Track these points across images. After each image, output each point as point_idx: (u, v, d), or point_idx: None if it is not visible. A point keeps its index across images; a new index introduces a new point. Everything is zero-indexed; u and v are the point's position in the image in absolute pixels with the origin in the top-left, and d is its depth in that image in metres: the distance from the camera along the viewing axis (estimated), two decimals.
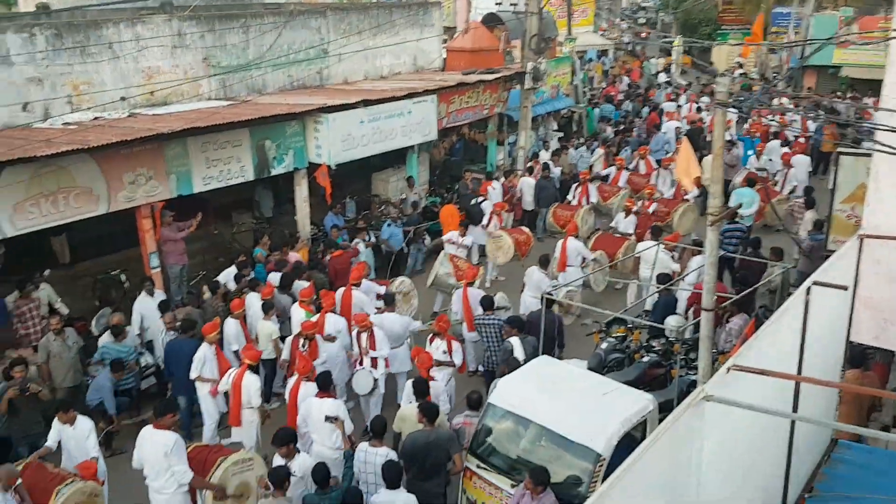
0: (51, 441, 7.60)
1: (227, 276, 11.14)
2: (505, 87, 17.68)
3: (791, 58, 31.99)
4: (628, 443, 6.67)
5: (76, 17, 12.10)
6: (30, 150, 8.89)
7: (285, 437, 6.88)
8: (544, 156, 18.44)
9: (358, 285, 10.43)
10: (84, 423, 7.62)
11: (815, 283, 5.84)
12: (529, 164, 17.40)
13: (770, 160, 18.41)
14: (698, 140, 18.79)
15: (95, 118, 11.19)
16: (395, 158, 16.05)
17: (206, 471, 7.12)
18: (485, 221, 14.22)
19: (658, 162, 17.73)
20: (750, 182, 15.21)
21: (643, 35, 37.29)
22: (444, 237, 13.46)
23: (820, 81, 30.96)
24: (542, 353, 8.67)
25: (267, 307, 9.85)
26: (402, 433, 7.56)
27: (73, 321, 10.40)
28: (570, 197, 16.16)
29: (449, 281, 11.74)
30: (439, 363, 8.68)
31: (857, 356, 8.11)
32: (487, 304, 9.87)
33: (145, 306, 10.27)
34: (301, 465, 6.86)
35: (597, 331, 9.97)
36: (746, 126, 21.75)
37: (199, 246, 13.26)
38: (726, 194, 12.83)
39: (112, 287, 11.97)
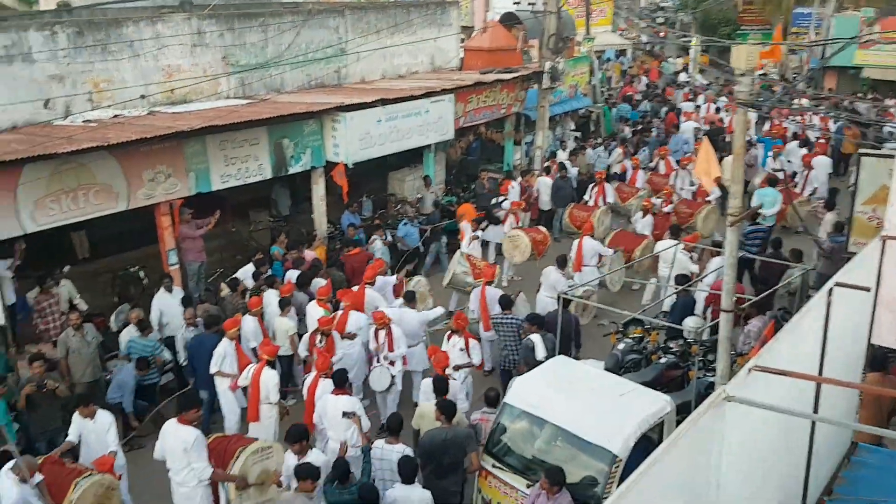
0: (72, 435, 7.66)
1: (245, 274, 11.20)
2: (522, 87, 17.65)
3: (811, 59, 31.73)
4: (645, 444, 6.63)
5: (97, 15, 12.20)
6: (51, 147, 8.97)
7: (298, 434, 6.91)
8: (562, 155, 18.40)
9: (372, 284, 10.45)
10: (104, 418, 7.68)
11: (838, 285, 5.77)
12: (546, 164, 17.35)
13: (789, 161, 18.27)
14: (717, 140, 18.66)
15: (115, 116, 11.28)
16: (412, 157, 16.06)
17: (226, 461, 7.18)
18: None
19: (677, 162, 17.64)
20: (771, 182, 15.10)
21: (661, 34, 37.09)
22: (462, 225, 13.42)
23: (841, 82, 30.68)
24: (559, 353, 8.65)
25: (283, 304, 9.90)
26: (420, 430, 7.58)
27: (92, 317, 10.49)
28: (586, 197, 16.10)
29: (466, 280, 11.73)
30: (457, 367, 8.66)
31: (879, 359, 8.01)
32: (505, 303, 9.86)
33: (164, 303, 10.34)
34: (314, 461, 6.88)
35: (614, 331, 9.92)
36: (766, 127, 21.60)
37: (216, 243, 13.33)
38: (746, 195, 12.74)
39: (131, 283, 12.07)
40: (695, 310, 10.49)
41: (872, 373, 7.95)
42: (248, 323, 9.54)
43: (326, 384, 8.09)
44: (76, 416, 7.67)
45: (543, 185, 16.20)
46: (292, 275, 11.03)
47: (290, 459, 6.92)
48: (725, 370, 7.05)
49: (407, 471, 6.58)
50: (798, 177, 17.17)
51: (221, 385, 8.93)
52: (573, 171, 17.26)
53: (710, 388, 8.06)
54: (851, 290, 5.86)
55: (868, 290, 6.42)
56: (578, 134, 21.62)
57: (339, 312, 9.70)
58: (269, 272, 11.24)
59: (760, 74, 29.34)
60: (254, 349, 9.39)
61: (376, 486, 6.58)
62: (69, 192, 9.71)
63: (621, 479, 6.37)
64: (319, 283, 10.70)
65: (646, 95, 27.09)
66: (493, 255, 14.08)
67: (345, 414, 7.44)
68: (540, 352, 8.77)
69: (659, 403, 7.01)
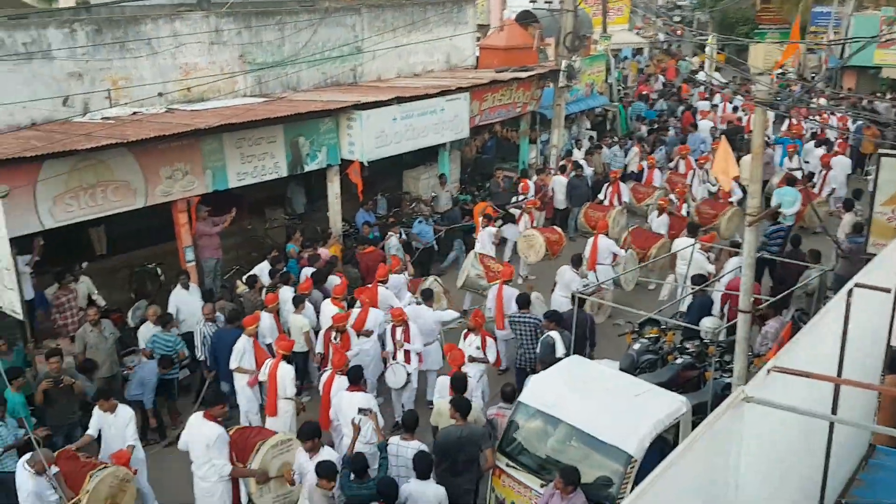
0: (92, 429, 7.74)
1: (260, 271, 11.25)
2: (538, 85, 17.60)
3: (830, 58, 31.43)
4: (660, 445, 6.61)
5: (115, 13, 12.29)
6: (69, 144, 9.06)
7: (310, 432, 6.92)
8: (577, 154, 18.33)
9: (384, 282, 10.47)
10: (125, 412, 7.75)
11: (857, 286, 5.71)
12: (562, 163, 17.30)
13: (806, 162, 18.13)
14: (735, 139, 18.54)
15: (134, 113, 11.36)
16: (427, 156, 16.06)
17: (247, 454, 7.25)
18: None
19: (695, 161, 17.53)
20: (789, 182, 15.00)
21: (678, 33, 36.88)
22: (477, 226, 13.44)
23: (860, 82, 30.36)
24: (574, 353, 8.62)
25: (297, 301, 9.95)
26: (438, 427, 7.60)
27: (110, 313, 10.57)
28: (601, 196, 16.03)
29: (480, 283, 11.72)
30: (472, 359, 8.67)
31: None
32: (523, 301, 9.85)
33: (180, 299, 10.41)
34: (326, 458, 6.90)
35: (629, 331, 9.87)
36: (784, 127, 21.43)
37: (232, 241, 13.40)
38: (765, 195, 12.69)
39: (148, 280, 12.16)
40: (712, 310, 10.43)
41: (891, 375, 7.87)
42: (265, 319, 9.58)
43: (342, 381, 8.12)
44: (96, 410, 7.73)
45: (558, 184, 16.16)
46: (307, 272, 11.07)
47: (302, 457, 6.95)
48: (742, 371, 7.00)
49: (422, 466, 6.61)
50: (816, 177, 17.01)
51: (240, 381, 8.98)
52: (589, 171, 17.19)
53: (727, 389, 8.02)
54: (871, 291, 5.80)
55: (888, 291, 6.34)
56: (593, 134, 21.53)
57: (357, 310, 9.72)
58: (285, 269, 11.29)
59: (779, 73, 29.13)
60: (269, 345, 9.43)
61: (394, 478, 6.61)
62: (88, 189, 9.79)
63: (636, 480, 6.35)
64: (334, 281, 10.73)
65: (662, 94, 26.93)
66: (510, 254, 14.06)
67: (360, 410, 7.45)
68: (560, 349, 8.79)
69: (675, 404, 6.97)
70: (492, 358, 9.02)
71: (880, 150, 11.17)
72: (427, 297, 10.02)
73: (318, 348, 9.55)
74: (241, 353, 8.88)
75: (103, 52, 11.21)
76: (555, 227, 14.37)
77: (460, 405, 7.19)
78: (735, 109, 24.16)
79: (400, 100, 13.50)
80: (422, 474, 6.59)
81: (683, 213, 14.80)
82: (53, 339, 10.01)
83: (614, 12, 29.60)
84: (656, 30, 37.29)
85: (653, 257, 12.74)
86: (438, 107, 14.36)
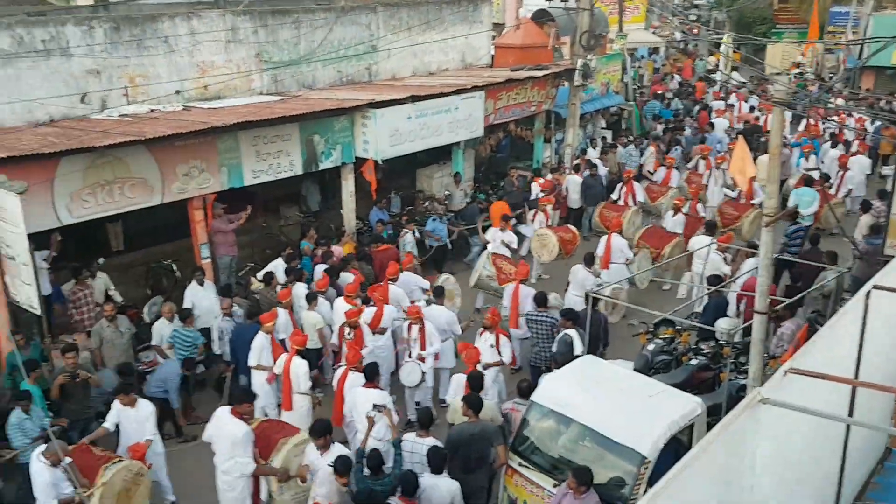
0: (109, 423, 7.79)
1: (275, 268, 11.28)
2: (553, 84, 17.55)
3: (848, 58, 31.17)
4: (674, 446, 6.58)
5: (133, 10, 12.37)
6: (87, 141, 9.13)
7: (322, 429, 6.96)
8: (592, 153, 18.27)
9: (394, 280, 10.48)
10: (146, 406, 7.83)
11: (876, 287, 5.67)
12: (576, 162, 17.25)
13: (822, 162, 17.99)
14: (752, 139, 18.41)
15: (151, 110, 11.43)
16: (440, 155, 16.06)
17: (269, 450, 7.31)
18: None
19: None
20: (807, 182, 14.91)
21: (694, 31, 36.67)
22: (488, 235, 13.40)
23: (878, 83, 30.09)
24: (588, 353, 8.60)
25: (311, 298, 9.99)
26: (454, 425, 7.62)
27: (126, 309, 10.65)
28: (614, 196, 15.95)
29: (491, 284, 11.71)
30: (487, 365, 8.66)
31: None
32: (541, 300, 9.84)
33: (196, 295, 10.47)
34: (337, 455, 6.92)
35: (644, 332, 9.83)
36: (801, 127, 21.26)
37: (247, 238, 13.46)
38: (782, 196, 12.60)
39: (164, 276, 12.24)
40: (727, 311, 10.37)
41: None
42: (280, 315, 9.63)
43: (355, 377, 8.14)
44: (116, 404, 7.78)
45: (572, 184, 16.11)
46: (321, 269, 11.12)
47: (312, 454, 6.98)
48: (758, 373, 6.96)
49: (436, 461, 6.67)
50: (833, 178, 16.88)
51: (259, 377, 9.03)
52: (604, 170, 17.13)
53: (742, 390, 7.96)
54: (890, 293, 5.76)
55: None
56: (606, 134, 21.43)
57: (373, 309, 9.74)
58: (299, 267, 11.33)
59: (796, 73, 28.91)
60: (282, 341, 9.48)
61: (415, 473, 6.65)
62: (105, 186, 9.85)
63: (649, 482, 6.32)
64: (347, 278, 10.76)
65: (678, 93, 26.79)
66: (526, 250, 14.03)
67: (375, 407, 7.48)
68: (578, 347, 8.77)
69: (689, 405, 6.93)
70: (506, 357, 9.01)
71: None
72: (438, 295, 10.03)
73: (333, 343, 9.60)
74: (260, 350, 8.95)
75: (121, 49, 11.28)
76: (569, 226, 14.33)
77: (472, 402, 7.22)
78: (752, 109, 24.00)
79: (414, 98, 13.50)
80: (435, 469, 6.65)
81: (699, 212, 14.73)
82: (69, 334, 10.11)
83: (630, 11, 29.42)
84: (672, 29, 37.12)
85: (667, 256, 12.69)
86: (453, 105, 14.35)
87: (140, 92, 11.63)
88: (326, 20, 14.15)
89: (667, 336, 9.47)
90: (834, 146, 18.73)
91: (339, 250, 12.13)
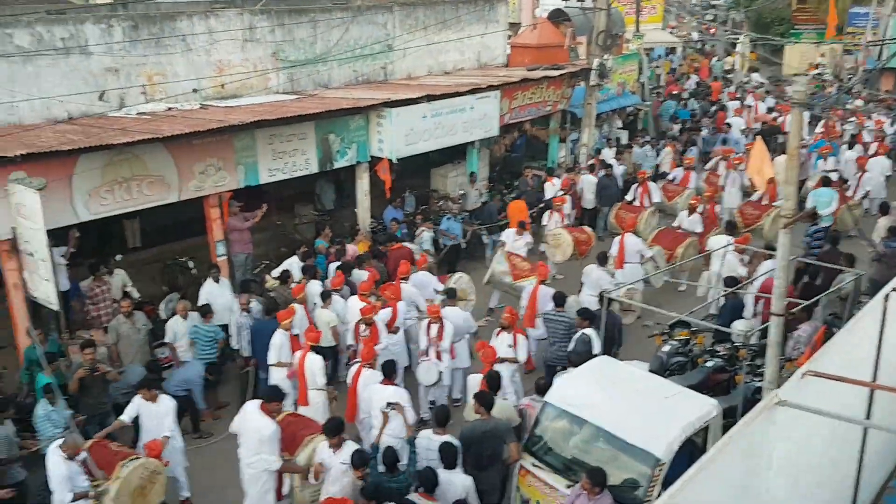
0: (127, 416, 7.82)
1: (291, 267, 11.32)
2: (569, 84, 17.51)
3: (867, 59, 30.86)
4: (689, 449, 6.55)
5: (151, 9, 12.45)
6: (105, 139, 9.19)
7: (335, 428, 6.98)
8: (607, 154, 18.20)
9: (406, 279, 10.49)
10: (167, 402, 7.88)
11: (895, 290, 5.61)
12: (590, 162, 17.20)
13: (838, 162, 17.84)
14: (769, 140, 18.28)
15: (168, 109, 11.50)
16: (455, 154, 16.06)
17: (295, 446, 7.37)
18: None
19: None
20: (825, 182, 14.80)
21: (711, 31, 36.45)
22: (503, 235, 13.37)
23: None
24: (602, 354, 8.57)
25: (325, 296, 10.02)
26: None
27: (142, 305, 10.72)
28: (629, 197, 15.86)
29: (504, 279, 11.69)
30: (502, 360, 8.66)
31: None
32: (560, 299, 9.82)
33: (211, 292, 10.51)
34: (349, 454, 6.94)
35: (659, 333, 9.79)
36: (818, 129, 21.07)
37: (262, 236, 13.52)
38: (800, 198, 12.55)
39: (180, 273, 12.30)
40: (743, 313, 10.30)
41: None
42: (296, 311, 9.65)
43: (369, 373, 8.16)
44: (137, 398, 7.83)
45: (587, 184, 16.04)
46: (335, 267, 11.15)
47: (325, 452, 7.00)
48: (774, 375, 6.91)
49: (448, 456, 6.72)
50: (850, 180, 16.73)
51: (278, 374, 9.05)
52: (620, 170, 17.06)
53: (757, 393, 7.91)
54: None
55: None
56: (625, 133, 21.34)
57: (388, 310, 9.77)
58: (313, 264, 11.37)
59: (815, 74, 28.68)
60: (296, 335, 9.51)
61: (435, 469, 6.68)
62: (122, 183, 9.93)
63: (664, 484, 6.29)
64: (361, 276, 10.78)
65: (694, 94, 26.63)
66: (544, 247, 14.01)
67: (389, 404, 7.50)
68: (597, 346, 8.77)
69: (705, 407, 6.89)
70: (522, 357, 9.01)
71: None
72: (451, 296, 10.02)
73: (349, 341, 9.64)
74: (279, 347, 8.99)
75: (139, 47, 11.36)
76: (584, 226, 14.28)
77: (483, 400, 7.25)
78: (770, 110, 23.82)
79: (430, 98, 13.51)
80: (448, 464, 6.69)
81: (717, 213, 14.65)
82: (86, 329, 10.19)
83: (647, 11, 29.30)
84: (690, 29, 36.93)
85: (680, 257, 12.63)
86: (468, 105, 14.34)
87: (158, 90, 11.71)
88: (343, 19, 14.18)
89: (682, 337, 9.42)
90: (850, 147, 18.56)
91: (353, 249, 12.17)
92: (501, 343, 8.95)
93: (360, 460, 6.65)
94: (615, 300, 9.77)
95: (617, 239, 12.71)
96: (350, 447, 6.98)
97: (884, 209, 13.65)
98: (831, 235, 12.28)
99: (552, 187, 15.43)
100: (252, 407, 7.29)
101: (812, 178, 16.47)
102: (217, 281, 10.65)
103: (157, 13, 11.87)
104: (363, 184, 13.47)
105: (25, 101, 10.31)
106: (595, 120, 18.45)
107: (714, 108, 24.03)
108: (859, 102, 24.85)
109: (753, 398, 7.84)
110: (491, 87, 14.75)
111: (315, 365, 8.51)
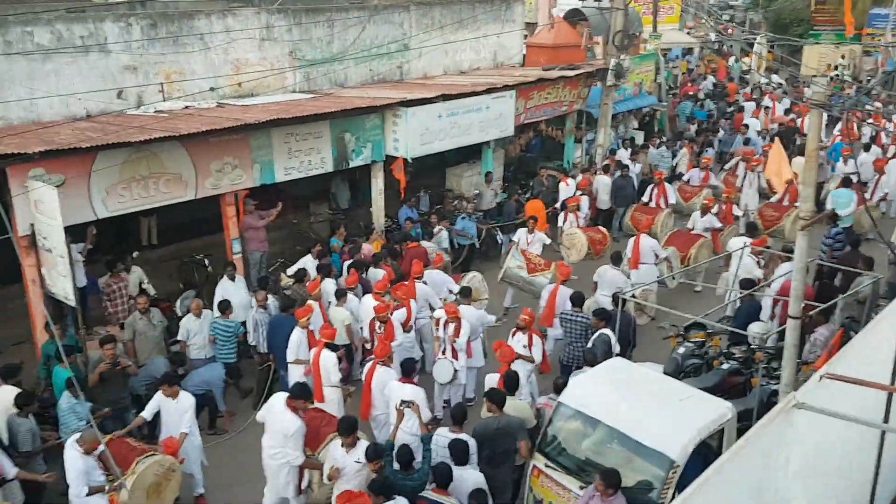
0: (147, 413, 7.90)
1: (306, 265, 11.36)
2: (585, 84, 17.44)
3: (887, 61, 30.60)
4: (704, 451, 6.51)
5: (169, 7, 12.53)
6: (123, 136, 9.26)
7: (349, 427, 6.99)
8: (622, 154, 18.12)
9: (420, 278, 10.49)
10: (187, 399, 7.92)
11: None
12: (605, 163, 17.13)
13: (855, 164, 17.67)
14: (787, 142, 18.13)
15: (186, 107, 11.57)
16: (470, 154, 16.05)
17: (318, 442, 7.44)
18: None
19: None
20: (845, 183, 14.69)
21: (728, 31, 36.20)
22: (516, 235, 13.35)
23: None
24: (616, 355, 8.54)
25: (340, 294, 10.05)
26: None
27: (158, 302, 10.79)
28: (645, 198, 15.77)
29: (520, 274, 11.66)
30: (518, 356, 8.66)
31: None
32: (578, 300, 9.81)
33: (227, 290, 10.57)
34: (363, 452, 6.95)
35: (674, 334, 9.74)
36: (836, 130, 20.88)
37: (277, 234, 13.59)
38: (818, 200, 12.44)
39: (195, 270, 12.38)
40: (760, 316, 10.23)
41: None
42: (313, 309, 9.70)
43: (383, 371, 8.19)
44: (158, 394, 7.89)
45: (602, 184, 15.96)
46: (348, 266, 11.18)
47: (338, 451, 7.01)
48: (791, 378, 6.86)
49: (458, 453, 6.74)
50: (869, 182, 16.57)
51: (296, 371, 9.09)
52: (636, 170, 16.98)
53: (774, 396, 7.86)
54: None
55: None
56: (641, 134, 21.23)
57: (403, 310, 9.78)
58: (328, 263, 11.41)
59: (833, 76, 28.43)
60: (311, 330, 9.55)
61: (449, 466, 6.69)
62: (140, 180, 10.00)
63: (678, 487, 6.26)
64: (376, 275, 10.80)
65: (710, 94, 26.47)
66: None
67: (403, 402, 7.51)
68: (616, 347, 8.73)
69: (720, 410, 6.85)
70: (537, 357, 8.99)
71: None
72: (465, 295, 10.02)
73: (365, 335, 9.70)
74: (297, 345, 9.04)
75: (157, 46, 11.43)
76: (599, 227, 14.23)
77: (495, 397, 7.26)
78: (787, 111, 23.64)
79: (445, 97, 13.51)
80: (459, 460, 6.70)
81: (734, 213, 14.56)
82: (103, 325, 10.27)
83: (665, 11, 29.16)
84: (707, 29, 36.70)
85: (693, 258, 12.57)
86: (484, 104, 14.33)
87: (175, 88, 11.79)
88: (359, 19, 14.21)
89: (698, 339, 9.37)
90: (867, 150, 18.37)
91: (367, 247, 12.19)
92: (517, 343, 8.94)
93: (374, 453, 6.70)
94: (628, 300, 9.74)
95: (632, 239, 12.66)
96: (363, 446, 7.00)
97: None
98: (852, 237, 12.18)
99: (567, 188, 15.37)
100: (278, 401, 7.35)
101: (832, 179, 16.32)
102: (232, 279, 10.70)
103: (176, 12, 11.95)
104: (378, 183, 13.50)
105: (44, 99, 10.41)
106: (611, 120, 18.38)
107: (731, 108, 23.88)
108: (879, 104, 24.61)
109: (769, 401, 7.80)
110: (507, 87, 14.73)
111: (329, 362, 8.55)
